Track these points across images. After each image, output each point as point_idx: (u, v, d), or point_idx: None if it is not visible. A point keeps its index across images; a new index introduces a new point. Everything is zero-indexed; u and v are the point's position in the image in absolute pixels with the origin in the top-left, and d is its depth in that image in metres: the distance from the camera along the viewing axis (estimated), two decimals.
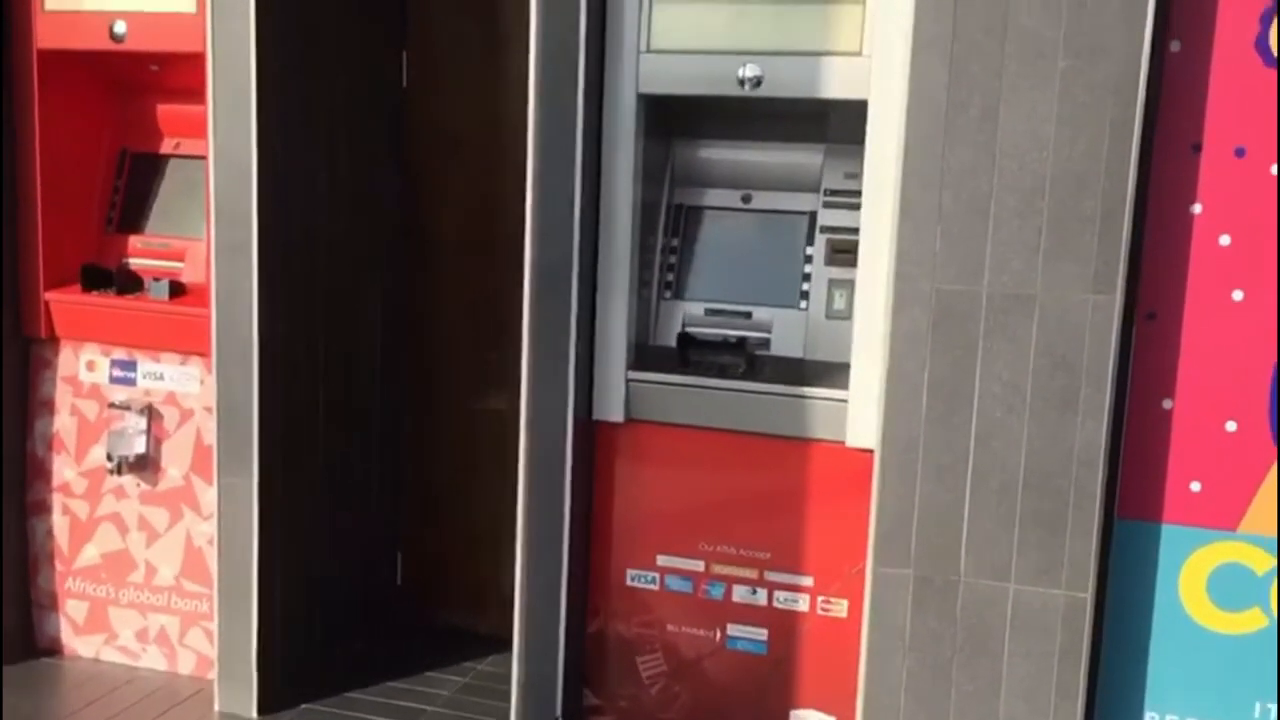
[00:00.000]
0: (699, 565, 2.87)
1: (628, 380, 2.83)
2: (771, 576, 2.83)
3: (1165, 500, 2.48)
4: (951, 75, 2.37)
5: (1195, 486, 2.45)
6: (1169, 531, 2.48)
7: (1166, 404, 2.44)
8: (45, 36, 3.12)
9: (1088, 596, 2.41)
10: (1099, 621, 2.47)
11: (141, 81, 3.26)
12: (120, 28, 3.05)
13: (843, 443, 2.69)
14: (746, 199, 2.95)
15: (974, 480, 2.46)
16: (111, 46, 3.07)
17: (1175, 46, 2.35)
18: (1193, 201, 2.37)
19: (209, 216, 2.98)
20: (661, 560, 2.91)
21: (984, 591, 2.47)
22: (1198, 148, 2.36)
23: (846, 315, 2.77)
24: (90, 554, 3.36)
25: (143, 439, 3.25)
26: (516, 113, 3.38)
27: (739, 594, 2.85)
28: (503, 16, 3.43)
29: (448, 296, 3.64)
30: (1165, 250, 2.40)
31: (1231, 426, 2.41)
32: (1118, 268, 2.33)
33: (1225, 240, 2.37)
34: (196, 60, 2.95)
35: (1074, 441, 2.39)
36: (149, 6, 3.02)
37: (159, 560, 3.31)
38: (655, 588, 2.91)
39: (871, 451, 2.57)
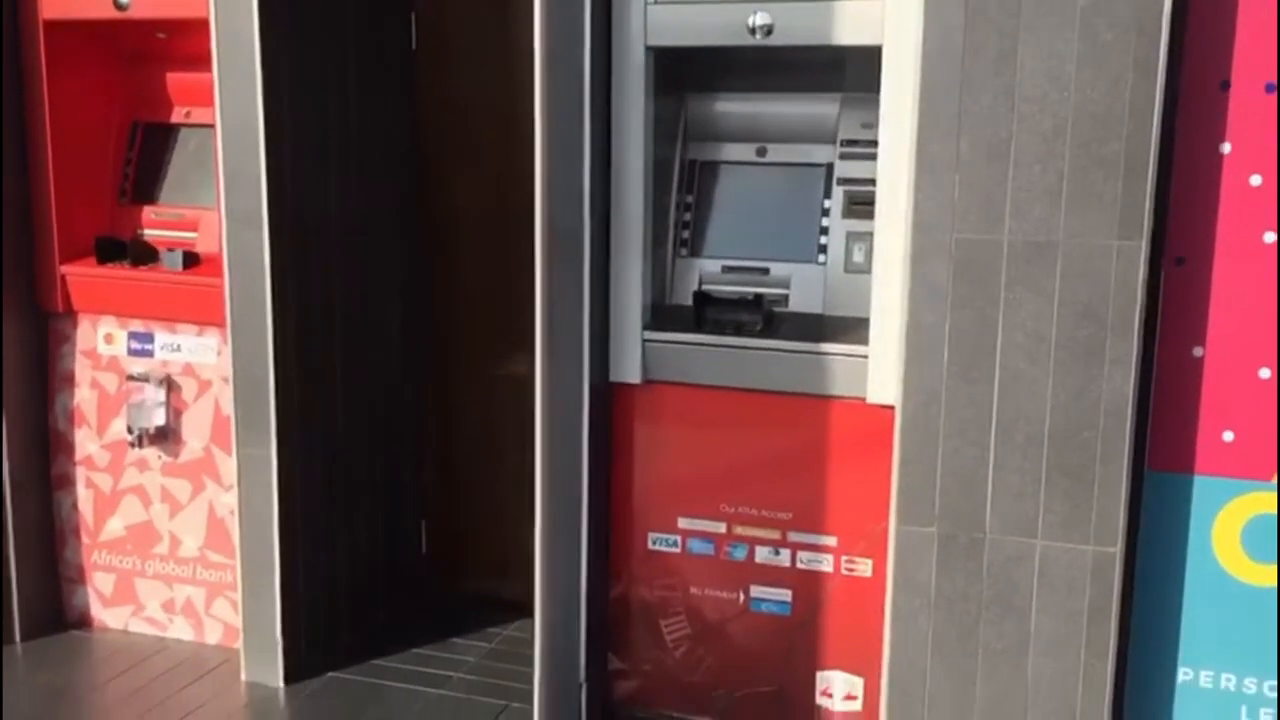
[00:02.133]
0: (721, 527, 2.83)
1: (644, 341, 2.79)
2: (794, 537, 2.78)
3: (1197, 451, 2.40)
4: (967, 17, 2.28)
5: (1228, 436, 2.37)
6: (1201, 483, 2.41)
7: (1197, 351, 2.36)
8: (50, 7, 3.10)
9: (1117, 551, 2.35)
10: (1129, 577, 2.41)
11: (149, 50, 3.23)
12: None
13: (863, 399, 2.64)
14: (761, 152, 2.89)
15: (998, 434, 2.39)
16: (116, 15, 3.04)
17: None
18: (1221, 141, 2.28)
19: (219, 185, 2.96)
20: (683, 523, 2.87)
21: (1010, 548, 2.42)
22: (1226, 85, 2.26)
23: (865, 269, 2.71)
24: (115, 527, 3.37)
25: (162, 411, 3.25)
26: (527, 72, 3.33)
27: (762, 555, 2.81)
28: None
29: (464, 260, 3.60)
30: (1193, 192, 2.32)
31: (1265, 374, 2.33)
32: (1143, 212, 2.25)
33: (1256, 180, 2.28)
34: (203, 27, 2.91)
35: (1101, 392, 2.32)
36: None
37: (183, 531, 3.31)
38: (677, 550, 2.88)
39: (892, 408, 2.51)
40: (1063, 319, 2.32)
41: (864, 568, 2.74)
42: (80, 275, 3.23)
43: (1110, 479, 2.34)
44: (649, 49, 2.66)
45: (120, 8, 3.02)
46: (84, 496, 3.39)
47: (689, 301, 2.83)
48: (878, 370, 2.59)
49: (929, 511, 2.47)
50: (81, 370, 3.33)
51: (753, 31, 2.58)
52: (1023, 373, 2.36)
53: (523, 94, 3.32)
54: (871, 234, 2.65)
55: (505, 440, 3.59)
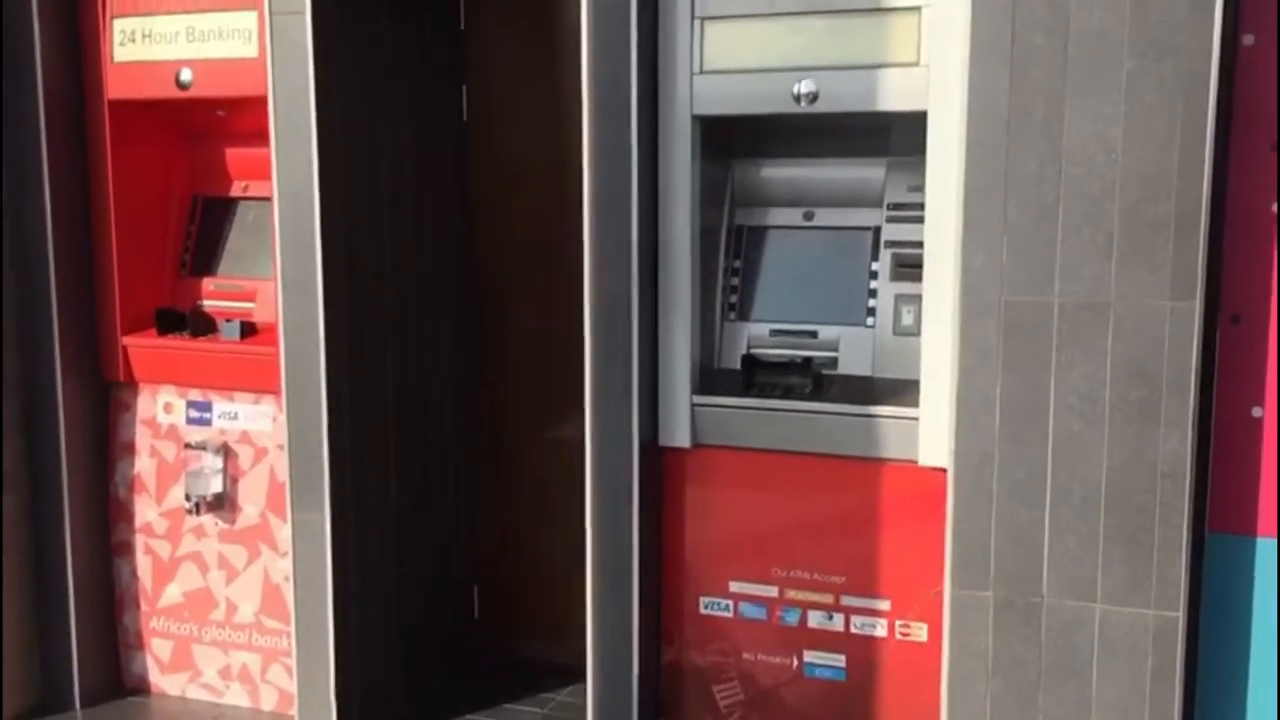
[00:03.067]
0: (773, 591, 2.82)
1: (693, 405, 2.80)
2: (847, 601, 2.76)
3: (1259, 512, 2.36)
4: (1012, 81, 2.30)
5: None
6: (1264, 545, 2.37)
7: (1256, 412, 2.33)
8: (115, 87, 3.20)
9: (1179, 615, 2.31)
10: (1193, 641, 2.36)
11: (209, 127, 3.33)
12: (186, 75, 3.11)
13: (915, 462, 2.62)
14: (809, 216, 2.91)
15: (1053, 497, 2.37)
16: (178, 94, 3.14)
17: (1248, 41, 2.26)
18: (1273, 200, 2.27)
19: (275, 256, 3.02)
20: (734, 586, 2.86)
21: (1069, 612, 2.38)
22: (1275, 146, 2.26)
23: (915, 331, 2.71)
24: (173, 593, 3.41)
25: (219, 478, 3.30)
26: (575, 141, 3.39)
27: (815, 619, 2.79)
28: (559, 46, 3.43)
29: (515, 326, 3.64)
30: (1247, 252, 2.30)
31: None
32: (1196, 272, 2.23)
33: None
34: (261, 104, 2.99)
35: (1157, 454, 2.29)
36: (213, 54, 3.08)
37: (239, 598, 3.34)
38: (729, 615, 2.86)
39: (945, 470, 2.50)
40: (1116, 380, 2.30)
41: (919, 632, 2.71)
42: (142, 346, 3.30)
43: (1170, 542, 2.30)
44: (695, 117, 2.69)
45: (182, 87, 3.12)
46: (143, 564, 3.43)
47: (738, 365, 2.84)
48: (929, 432, 2.58)
49: (984, 575, 2.44)
50: (141, 439, 3.40)
51: (798, 99, 2.61)
52: (1077, 435, 2.34)
53: (571, 161, 3.39)
54: (920, 296, 2.66)
55: (556, 503, 3.60)
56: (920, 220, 2.65)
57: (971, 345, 2.39)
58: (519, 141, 3.56)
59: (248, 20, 3.03)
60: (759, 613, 2.84)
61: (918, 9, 2.49)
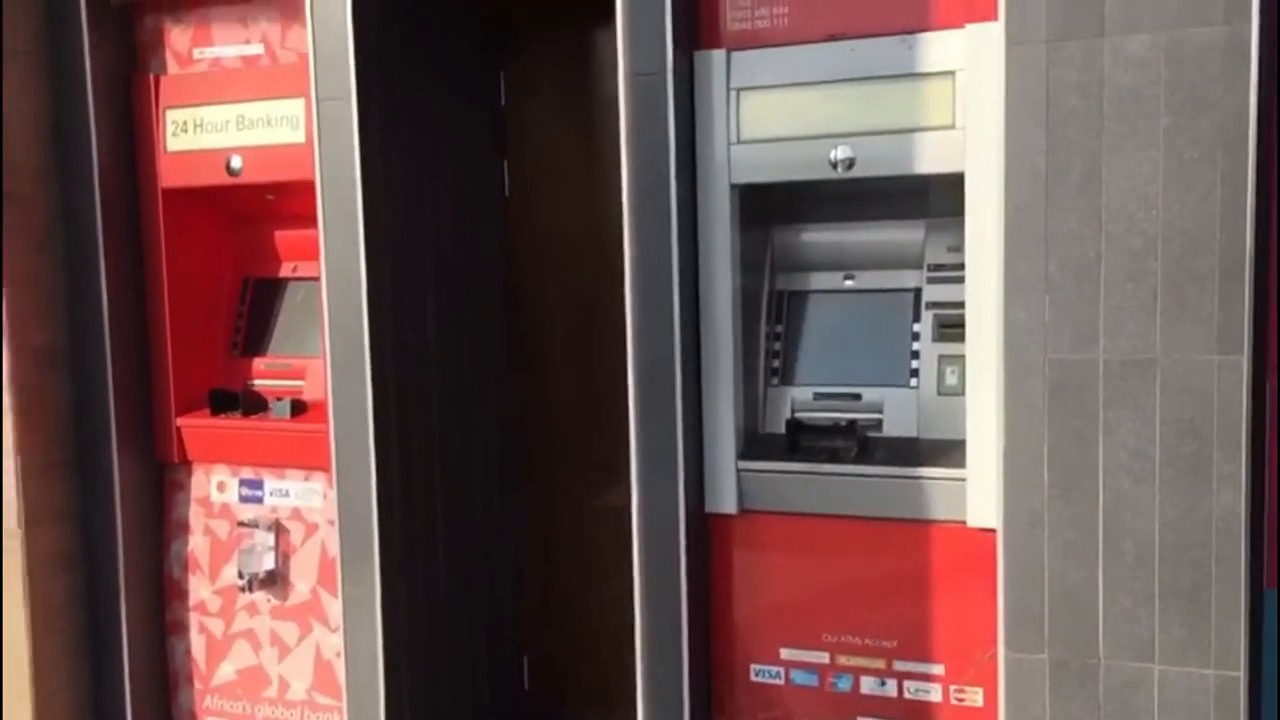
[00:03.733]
0: (824, 657, 2.79)
1: (738, 470, 2.80)
2: (900, 666, 2.73)
3: None
4: (1049, 141, 2.32)
5: None
6: None
7: None
8: (169, 176, 3.29)
9: (1240, 675, 2.26)
10: (1255, 701, 2.31)
11: (259, 211, 3.41)
12: (236, 163, 3.20)
13: (964, 523, 2.60)
14: (849, 279, 2.92)
15: (1106, 556, 2.35)
16: (229, 181, 3.22)
17: None
18: None
19: (324, 335, 3.08)
20: (785, 653, 2.83)
21: (1127, 674, 2.34)
22: None
23: (959, 391, 2.71)
24: (226, 671, 3.43)
25: (271, 555, 3.33)
26: (614, 213, 3.45)
27: (867, 685, 2.76)
28: (598, 121, 3.50)
29: (558, 396, 3.67)
30: None
31: None
32: (1243, 326, 2.22)
33: None
34: (309, 187, 3.07)
35: (1211, 510, 2.26)
36: (262, 140, 3.17)
37: (291, 675, 3.36)
38: (780, 682, 2.83)
39: (994, 531, 2.48)
40: (1165, 436, 2.29)
41: (974, 697, 2.67)
42: (196, 426, 3.36)
43: (1228, 599, 2.27)
44: (733, 186, 2.73)
45: (233, 173, 3.21)
46: (197, 642, 3.46)
47: (782, 429, 2.84)
48: (977, 493, 2.56)
49: (1038, 637, 2.41)
50: (195, 518, 3.44)
51: (834, 165, 2.64)
52: (1127, 492, 2.32)
53: (611, 233, 3.44)
54: (963, 356, 2.66)
55: (604, 569, 3.60)
56: (960, 280, 2.66)
57: (1017, 405, 2.39)
58: (559, 214, 3.62)
59: (295, 107, 3.11)
60: (810, 680, 2.81)
61: (951, 73, 2.52)
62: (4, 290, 3.12)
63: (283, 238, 3.46)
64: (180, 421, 3.38)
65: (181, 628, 3.48)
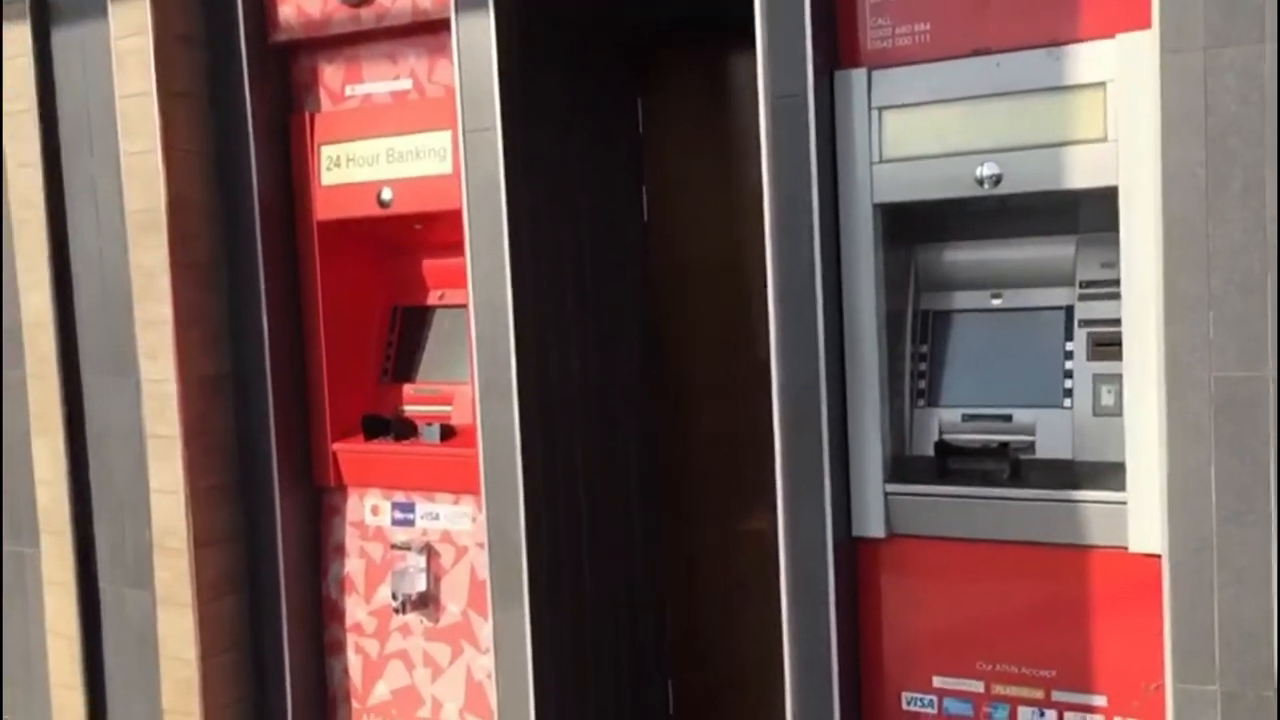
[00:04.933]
0: (979, 686, 2.72)
1: (886, 494, 2.75)
2: (1059, 696, 2.64)
3: None
4: (1209, 152, 2.23)
5: None
6: None
7: None
8: (323, 209, 3.42)
9: None
10: None
11: (407, 240, 3.51)
12: (387, 194, 3.30)
13: (1125, 548, 2.51)
14: (996, 297, 2.86)
15: None
16: (380, 212, 3.33)
17: None
18: None
19: (472, 361, 3.15)
20: (938, 681, 2.77)
21: None
22: None
23: (1116, 412, 2.61)
24: (381, 691, 3.52)
25: (423, 577, 3.41)
26: (754, 239, 3.44)
27: (1025, 716, 2.67)
28: (735, 145, 3.52)
29: (699, 421, 3.68)
30: None
31: None
32: None
33: None
34: (455, 217, 3.15)
35: None
36: (411, 173, 3.26)
37: (444, 695, 3.42)
38: (933, 711, 2.77)
39: (1158, 556, 2.38)
40: None
41: None
42: (350, 452, 3.47)
43: None
44: (876, 206, 2.70)
45: (383, 205, 3.31)
46: (354, 662, 3.57)
47: (929, 452, 2.79)
48: (1139, 517, 2.47)
49: (1209, 667, 2.31)
50: (351, 540, 3.55)
51: (981, 182, 2.59)
52: None
53: (749, 258, 3.44)
54: (1120, 375, 2.57)
55: (748, 597, 3.59)
56: (1115, 297, 2.57)
57: (1181, 425, 2.30)
58: (698, 241, 3.63)
59: (442, 140, 3.20)
60: (965, 709, 2.74)
61: (1103, 84, 2.44)
62: (175, 323, 3.29)
63: (430, 266, 3.55)
64: (336, 446, 3.49)
65: (339, 647, 3.59)
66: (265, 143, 3.38)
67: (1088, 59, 2.46)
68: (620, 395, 3.52)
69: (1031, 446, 2.73)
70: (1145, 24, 2.32)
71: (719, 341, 3.61)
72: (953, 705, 2.75)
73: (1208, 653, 2.30)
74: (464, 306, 3.31)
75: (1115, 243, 2.51)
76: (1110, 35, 2.42)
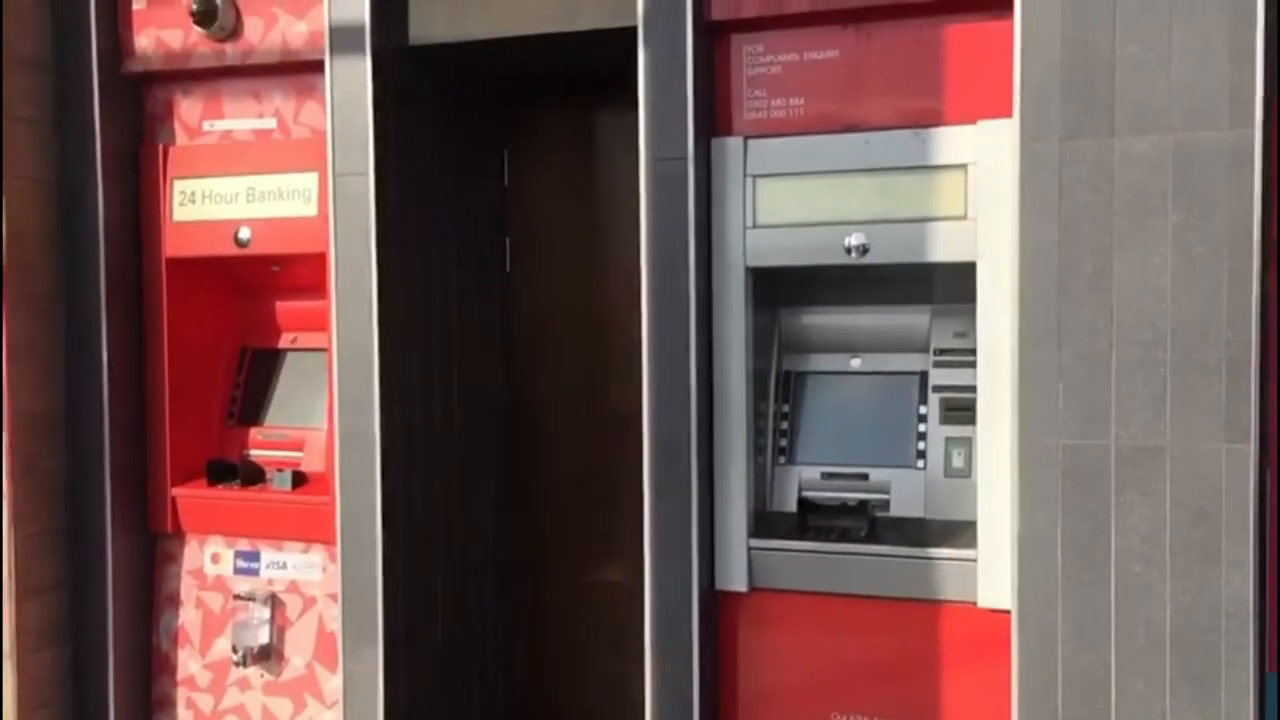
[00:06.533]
0: None
1: (749, 548, 2.83)
2: None
3: None
4: (1061, 235, 2.41)
5: None
6: None
7: None
8: (173, 245, 3.29)
9: None
10: None
11: (261, 281, 3.41)
12: (245, 234, 3.21)
13: (974, 603, 2.65)
14: (855, 359, 2.99)
15: (1118, 638, 2.40)
16: (237, 252, 3.23)
17: None
18: None
19: (331, 407, 3.08)
20: None
21: None
22: None
23: (966, 473, 2.77)
24: None
25: (267, 629, 3.29)
26: (613, 290, 3.51)
27: None
28: (599, 201, 3.57)
29: (557, 472, 3.68)
30: None
31: None
32: (1249, 415, 2.31)
33: None
34: (315, 260, 3.09)
35: (1220, 595, 2.33)
36: (273, 213, 3.18)
37: None
38: None
39: (1005, 612, 2.53)
40: (1176, 522, 2.36)
41: None
42: (192, 497, 3.33)
43: (1237, 683, 2.33)
44: (749, 269, 2.79)
45: (241, 245, 3.21)
46: (184, 717, 3.39)
47: (788, 508, 2.88)
48: (988, 574, 2.61)
49: (1052, 717, 2.45)
50: (187, 590, 3.39)
51: (849, 251, 2.71)
52: (1138, 576, 2.39)
53: (613, 311, 3.50)
54: (970, 439, 2.73)
55: (598, 647, 3.60)
56: (967, 365, 2.74)
57: (1031, 488, 2.45)
58: (559, 292, 3.66)
59: (308, 181, 3.13)
60: None
61: (964, 166, 2.61)
62: (6, 356, 3.09)
63: (283, 308, 3.46)
64: (176, 491, 3.34)
65: (168, 703, 3.41)
66: (113, 173, 3.24)
67: (951, 142, 2.62)
68: (480, 444, 3.50)
69: (886, 504, 2.85)
70: (1006, 113, 2.49)
71: (579, 391, 3.64)
72: None
73: (1051, 704, 2.45)
74: (318, 350, 3.25)
75: (967, 313, 2.67)
76: (973, 121, 2.59)
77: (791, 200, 2.76)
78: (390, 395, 3.02)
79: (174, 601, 3.41)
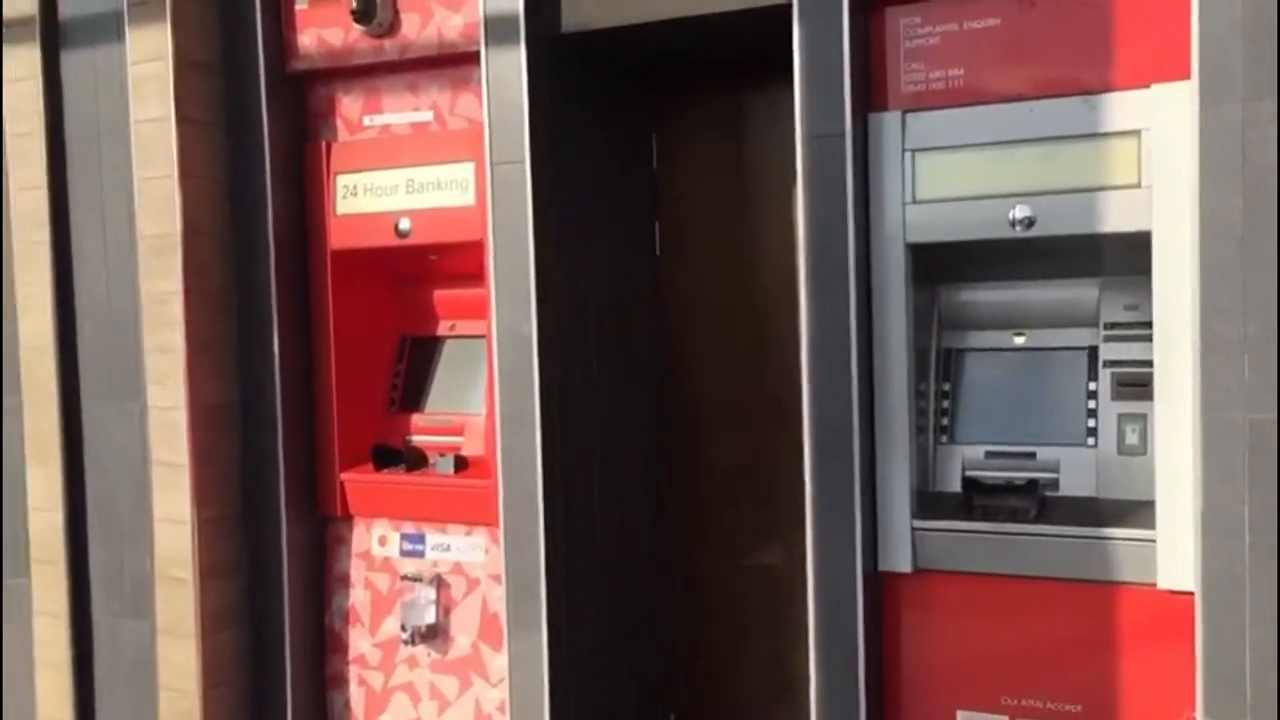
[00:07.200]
0: None
1: (913, 529, 2.79)
2: None
3: None
4: (1246, 201, 2.31)
5: None
6: None
7: None
8: (338, 238, 3.39)
9: None
10: None
11: (420, 270, 3.50)
12: (405, 225, 3.29)
13: (1154, 585, 2.56)
14: (1019, 336, 2.91)
15: None
16: (398, 242, 3.31)
17: None
18: None
19: (492, 391, 3.13)
20: (962, 715, 2.79)
21: None
22: None
23: (1141, 451, 2.68)
24: None
25: (433, 609, 3.38)
26: (763, 273, 3.49)
27: None
28: (748, 182, 3.55)
29: (709, 454, 3.69)
30: None
31: None
32: None
33: None
34: (472, 248, 3.15)
35: None
36: (431, 203, 3.25)
37: None
38: None
39: (1188, 594, 2.44)
40: None
41: None
42: (359, 481, 3.43)
43: None
44: (909, 245, 2.74)
45: (401, 235, 3.30)
46: (356, 695, 3.51)
47: (951, 488, 2.83)
48: (1168, 555, 2.52)
49: (1239, 705, 2.36)
50: (356, 571, 3.51)
51: (1013, 224, 2.64)
52: None
53: (763, 288, 3.48)
54: (1144, 415, 2.64)
55: (755, 629, 3.60)
56: (1139, 339, 2.65)
57: (1215, 465, 2.36)
58: (708, 275, 3.65)
59: (465, 171, 3.20)
60: None
61: (1137, 133, 2.51)
62: (188, 349, 3.24)
63: (441, 296, 3.54)
64: (344, 476, 3.45)
65: (341, 680, 3.53)
66: (280, 171, 3.35)
67: (1122, 108, 2.53)
68: (634, 428, 3.53)
69: (1055, 483, 2.78)
70: (1183, 74, 2.40)
71: (731, 374, 3.63)
72: None
73: (1238, 689, 2.36)
74: (476, 337, 3.31)
75: (1138, 285, 2.58)
76: (1145, 85, 2.49)
77: (952, 174, 2.70)
78: (549, 379, 3.07)
79: (344, 583, 3.53)
